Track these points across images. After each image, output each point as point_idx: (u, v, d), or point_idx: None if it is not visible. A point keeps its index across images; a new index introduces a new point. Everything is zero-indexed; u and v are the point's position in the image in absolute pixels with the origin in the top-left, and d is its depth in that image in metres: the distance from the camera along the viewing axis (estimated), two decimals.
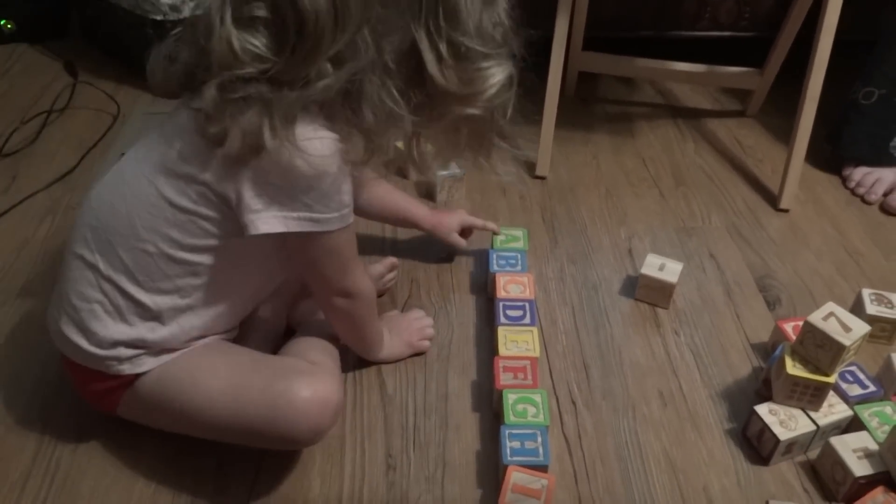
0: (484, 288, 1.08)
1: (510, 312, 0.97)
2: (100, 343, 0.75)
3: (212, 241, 0.73)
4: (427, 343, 0.97)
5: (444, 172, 1.21)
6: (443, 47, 0.69)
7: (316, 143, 0.68)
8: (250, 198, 0.69)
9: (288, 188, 0.69)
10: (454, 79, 0.70)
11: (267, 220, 0.70)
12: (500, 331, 0.94)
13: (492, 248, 1.09)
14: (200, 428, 0.78)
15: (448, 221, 1.07)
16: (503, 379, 0.88)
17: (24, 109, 1.44)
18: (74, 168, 1.29)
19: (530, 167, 1.33)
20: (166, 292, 0.75)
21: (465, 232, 1.10)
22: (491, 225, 1.10)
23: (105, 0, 1.48)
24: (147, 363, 0.76)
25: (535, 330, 0.95)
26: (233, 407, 0.74)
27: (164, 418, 0.80)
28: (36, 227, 1.16)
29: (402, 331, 0.96)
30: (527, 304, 0.98)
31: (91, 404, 0.82)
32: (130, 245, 0.73)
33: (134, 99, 1.50)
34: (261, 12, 0.65)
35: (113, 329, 0.74)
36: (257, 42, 0.65)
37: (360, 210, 0.80)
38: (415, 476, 0.83)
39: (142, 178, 0.73)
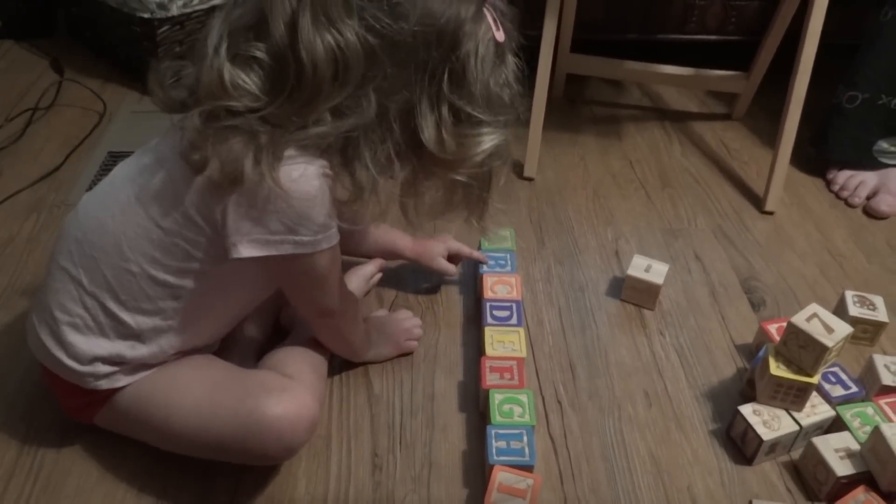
0: (471, 288, 1.08)
1: (497, 313, 0.97)
2: (78, 357, 0.74)
3: (194, 265, 0.72)
4: (414, 343, 0.97)
5: None
6: (445, 112, 0.68)
7: (302, 180, 0.66)
8: (233, 221, 0.68)
9: (270, 213, 0.67)
10: (452, 145, 0.69)
11: (249, 244, 0.68)
12: (487, 331, 0.95)
13: (480, 248, 1.09)
14: (175, 444, 0.78)
15: (432, 248, 1.05)
16: (489, 379, 0.88)
17: (9, 106, 1.43)
18: (60, 166, 1.28)
19: (518, 168, 1.33)
20: (148, 313, 0.74)
21: (454, 258, 1.07)
22: (478, 254, 1.06)
23: None
24: (123, 380, 0.76)
25: (521, 330, 0.95)
26: (204, 425, 0.74)
27: (140, 432, 0.79)
28: (20, 224, 1.15)
29: (390, 331, 0.96)
30: (514, 305, 0.98)
31: (68, 415, 0.82)
32: (115, 264, 0.72)
33: (120, 97, 1.49)
34: (259, 53, 0.64)
35: (93, 343, 0.74)
36: (249, 80, 0.64)
37: (344, 250, 0.79)
38: (401, 476, 0.83)
39: (131, 197, 0.72)
